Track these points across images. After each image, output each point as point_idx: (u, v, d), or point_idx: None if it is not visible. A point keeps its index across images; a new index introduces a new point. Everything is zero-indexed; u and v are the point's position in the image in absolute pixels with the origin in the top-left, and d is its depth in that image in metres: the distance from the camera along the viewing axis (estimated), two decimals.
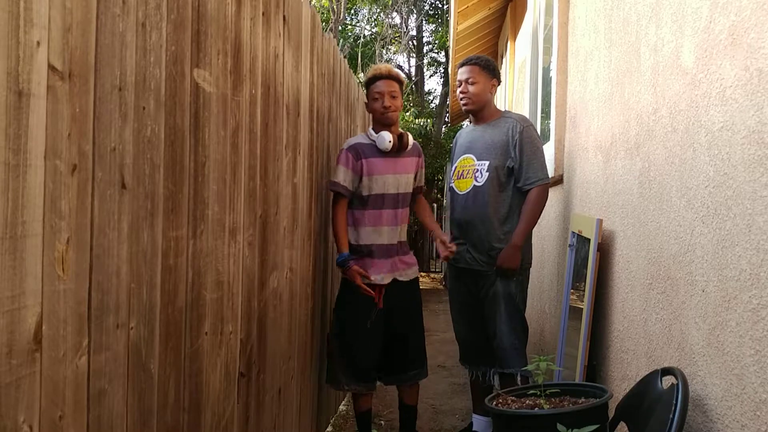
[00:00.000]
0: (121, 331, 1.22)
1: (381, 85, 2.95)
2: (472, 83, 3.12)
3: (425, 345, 3.10)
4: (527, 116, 5.26)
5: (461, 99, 3.18)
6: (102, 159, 1.14)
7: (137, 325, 1.28)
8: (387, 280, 2.92)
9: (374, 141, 2.94)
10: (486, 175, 3.06)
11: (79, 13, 1.06)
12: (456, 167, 3.23)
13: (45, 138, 0.98)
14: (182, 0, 1.44)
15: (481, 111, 3.17)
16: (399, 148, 2.94)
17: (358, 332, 2.90)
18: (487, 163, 3.07)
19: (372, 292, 2.85)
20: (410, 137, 3.01)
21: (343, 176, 2.89)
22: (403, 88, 3.05)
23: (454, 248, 2.96)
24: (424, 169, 3.17)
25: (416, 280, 3.07)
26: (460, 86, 3.17)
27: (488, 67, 3.17)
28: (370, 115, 3.07)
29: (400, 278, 2.97)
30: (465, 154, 3.19)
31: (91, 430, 1.13)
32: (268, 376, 2.17)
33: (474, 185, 3.09)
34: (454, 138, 3.47)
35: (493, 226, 3.04)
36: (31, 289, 0.96)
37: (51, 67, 0.99)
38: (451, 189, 3.26)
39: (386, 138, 2.89)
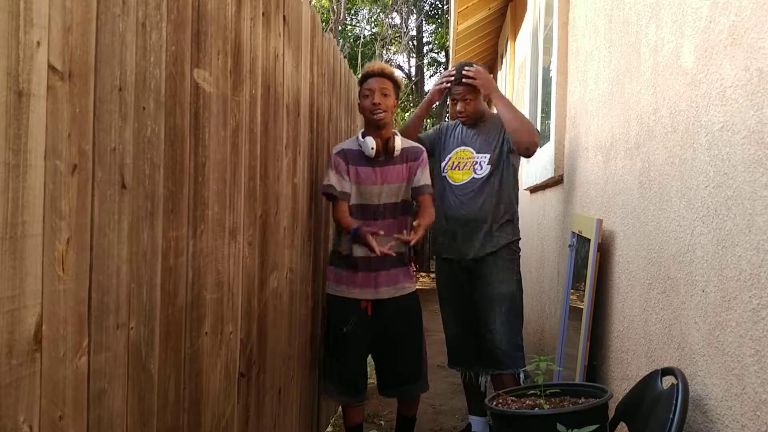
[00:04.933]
0: (121, 331, 1.22)
1: (372, 82, 2.77)
2: (469, 102, 3.16)
3: (425, 357, 2.93)
4: (527, 116, 5.27)
5: (461, 115, 3.20)
6: (102, 159, 1.14)
7: (137, 326, 1.28)
8: (368, 296, 2.76)
9: (361, 146, 2.78)
10: (487, 168, 3.10)
11: (79, 13, 1.06)
12: (450, 158, 3.22)
13: (45, 138, 0.98)
14: (182, 0, 1.44)
15: (477, 118, 3.23)
16: (385, 154, 2.77)
17: (342, 342, 2.75)
18: (487, 156, 3.11)
19: (376, 248, 2.57)
20: (399, 141, 2.79)
21: (335, 180, 2.75)
22: (399, 88, 2.85)
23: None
24: (426, 168, 2.91)
25: (412, 294, 2.87)
26: (457, 104, 3.19)
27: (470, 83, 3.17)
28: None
29: (385, 296, 2.78)
30: (461, 146, 3.21)
31: (91, 430, 1.13)
32: (268, 376, 2.17)
33: (473, 177, 3.12)
34: (436, 128, 3.44)
35: (491, 216, 3.07)
36: (31, 289, 0.96)
37: (51, 67, 0.99)
38: (444, 179, 3.20)
39: (369, 144, 2.73)
